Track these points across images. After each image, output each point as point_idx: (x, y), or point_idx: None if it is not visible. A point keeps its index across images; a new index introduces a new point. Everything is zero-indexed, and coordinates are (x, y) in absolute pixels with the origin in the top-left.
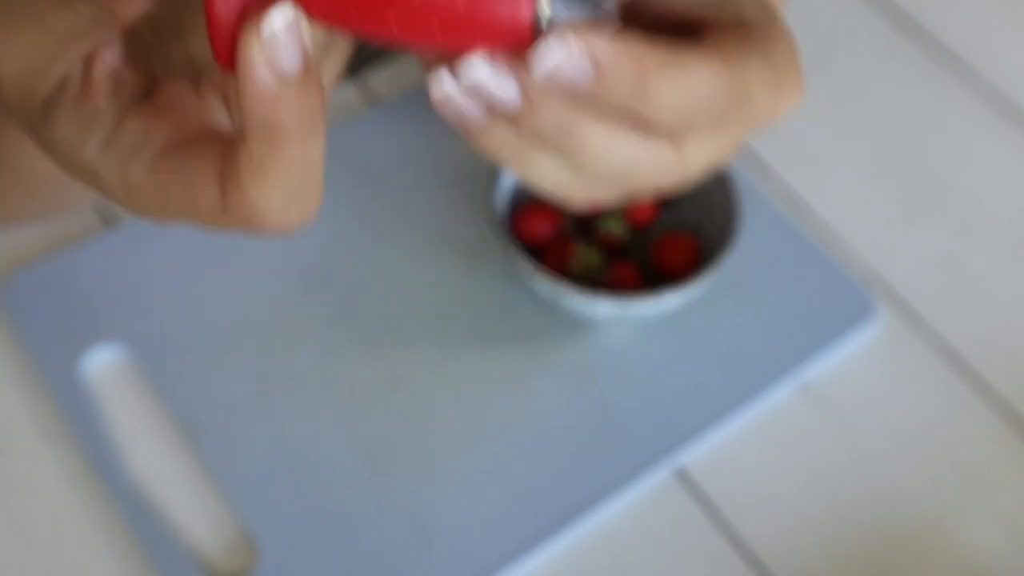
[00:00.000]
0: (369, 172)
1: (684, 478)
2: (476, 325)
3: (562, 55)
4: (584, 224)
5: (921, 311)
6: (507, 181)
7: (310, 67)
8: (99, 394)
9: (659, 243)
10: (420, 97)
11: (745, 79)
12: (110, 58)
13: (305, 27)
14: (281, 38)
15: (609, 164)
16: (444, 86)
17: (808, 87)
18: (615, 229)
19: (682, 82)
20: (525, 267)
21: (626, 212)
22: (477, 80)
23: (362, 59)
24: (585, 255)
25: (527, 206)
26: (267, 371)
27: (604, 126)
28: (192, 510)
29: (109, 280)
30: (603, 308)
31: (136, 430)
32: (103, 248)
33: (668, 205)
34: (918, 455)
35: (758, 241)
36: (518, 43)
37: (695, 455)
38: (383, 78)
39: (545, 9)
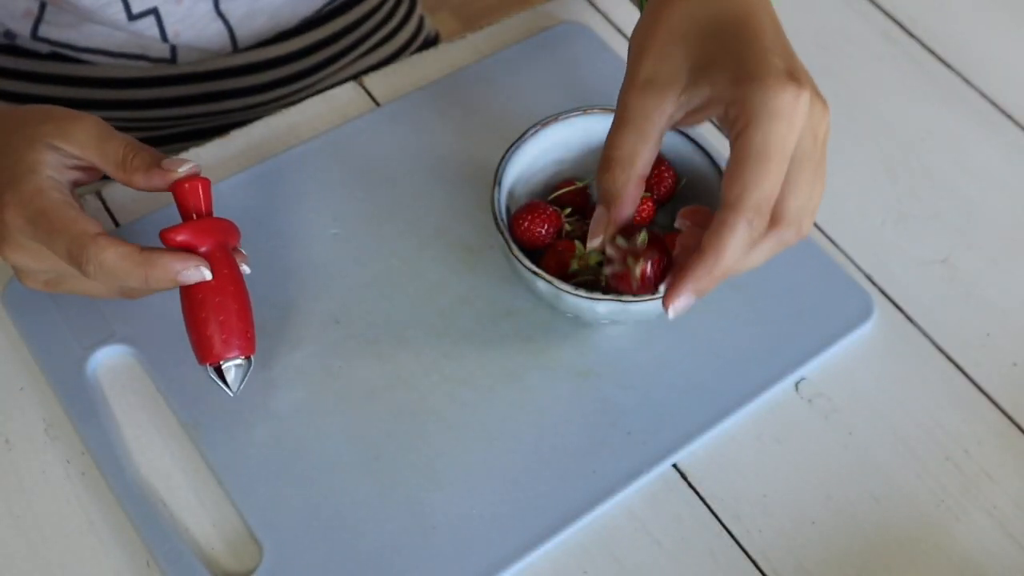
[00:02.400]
0: (369, 172)
1: (684, 477)
2: (476, 325)
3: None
4: (583, 224)
5: (918, 312)
6: (507, 182)
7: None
8: (104, 393)
9: None
10: (419, 98)
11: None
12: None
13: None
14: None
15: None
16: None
17: None
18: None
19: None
20: (526, 267)
21: None
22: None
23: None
24: (585, 255)
25: (527, 207)
26: (270, 371)
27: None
28: (196, 508)
29: None
30: (603, 307)
31: (140, 429)
32: None
33: (664, 204)
34: (915, 454)
35: None
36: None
37: (695, 455)
38: (382, 79)
39: None
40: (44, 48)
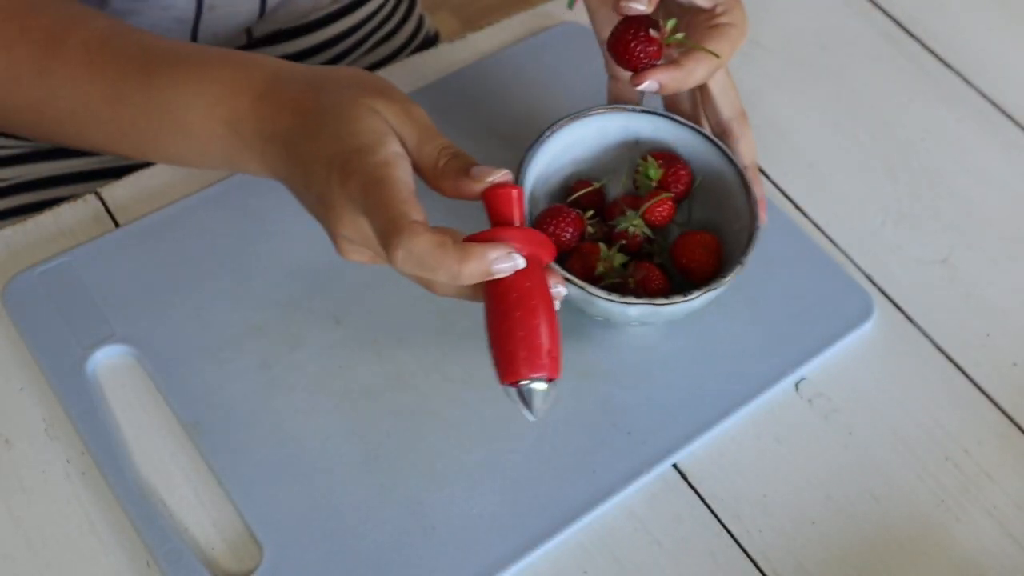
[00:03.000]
0: None
1: (684, 477)
2: (476, 325)
3: None
4: (604, 227)
5: (918, 312)
6: (528, 184)
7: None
8: (104, 393)
9: (681, 242)
10: (419, 98)
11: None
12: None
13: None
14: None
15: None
16: None
17: (806, 92)
18: (635, 229)
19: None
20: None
21: (644, 212)
22: None
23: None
24: (610, 257)
25: (550, 211)
26: (270, 371)
27: None
28: (196, 508)
29: (114, 279)
30: (635, 311)
31: (140, 429)
32: (109, 248)
33: (681, 202)
34: (915, 454)
35: (757, 242)
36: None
37: (695, 455)
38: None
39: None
40: None
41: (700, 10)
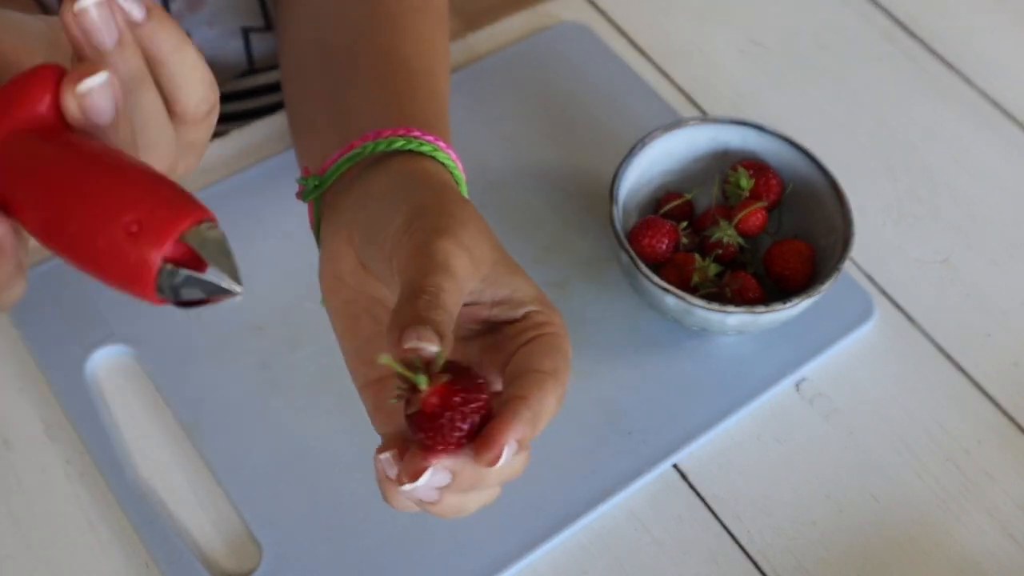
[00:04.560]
0: None
1: (684, 477)
2: None
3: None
4: (696, 237)
5: (918, 312)
6: (622, 197)
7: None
8: (103, 393)
9: (775, 251)
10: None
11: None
12: None
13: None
14: None
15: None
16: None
17: (806, 91)
18: (729, 238)
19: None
20: (656, 284)
21: (738, 222)
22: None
23: None
24: (706, 267)
25: (645, 223)
26: (270, 371)
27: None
28: (195, 508)
29: None
30: (734, 319)
31: (140, 429)
32: None
33: (772, 210)
34: (915, 454)
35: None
36: (145, 297)
37: (695, 455)
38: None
39: (164, 286)
40: None
41: (505, 323)
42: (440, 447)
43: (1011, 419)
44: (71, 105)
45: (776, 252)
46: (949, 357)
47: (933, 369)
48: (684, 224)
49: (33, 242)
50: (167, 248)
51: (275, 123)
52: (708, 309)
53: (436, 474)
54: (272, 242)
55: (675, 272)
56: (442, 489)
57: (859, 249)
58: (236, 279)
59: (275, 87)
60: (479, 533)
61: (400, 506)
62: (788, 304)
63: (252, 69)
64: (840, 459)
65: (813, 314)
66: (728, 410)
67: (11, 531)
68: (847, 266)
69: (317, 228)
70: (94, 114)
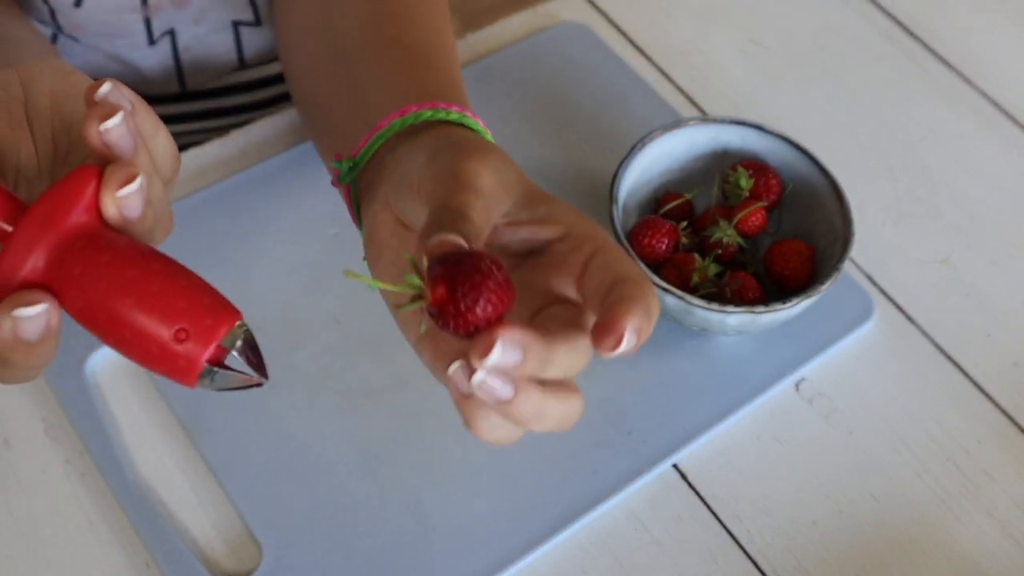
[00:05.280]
0: None
1: (684, 477)
2: None
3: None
4: (696, 237)
5: (918, 312)
6: (622, 197)
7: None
8: (104, 393)
9: (775, 251)
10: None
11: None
12: None
13: (55, 312)
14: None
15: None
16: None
17: (806, 91)
18: (728, 238)
19: (566, 354)
20: (655, 284)
21: (738, 222)
22: (484, 383)
23: None
24: (705, 267)
25: (645, 223)
26: (269, 370)
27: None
28: (195, 508)
29: None
30: (734, 319)
31: (140, 429)
32: None
33: (772, 210)
34: (915, 454)
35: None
36: (185, 384)
37: (695, 455)
38: None
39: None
40: None
41: (551, 241)
42: (476, 325)
43: (1011, 419)
44: (110, 208)
45: (776, 252)
46: (949, 357)
47: (933, 369)
48: (684, 224)
49: None
50: (210, 351)
51: (274, 123)
52: (708, 309)
53: (506, 349)
54: (271, 242)
55: (675, 272)
56: (517, 383)
57: (859, 249)
58: (263, 372)
59: (268, 81)
60: (479, 533)
61: (483, 426)
62: (788, 304)
63: (243, 64)
64: (840, 459)
65: (813, 314)
66: (728, 410)
67: (11, 531)
68: (847, 266)
69: (357, 212)
70: (129, 212)
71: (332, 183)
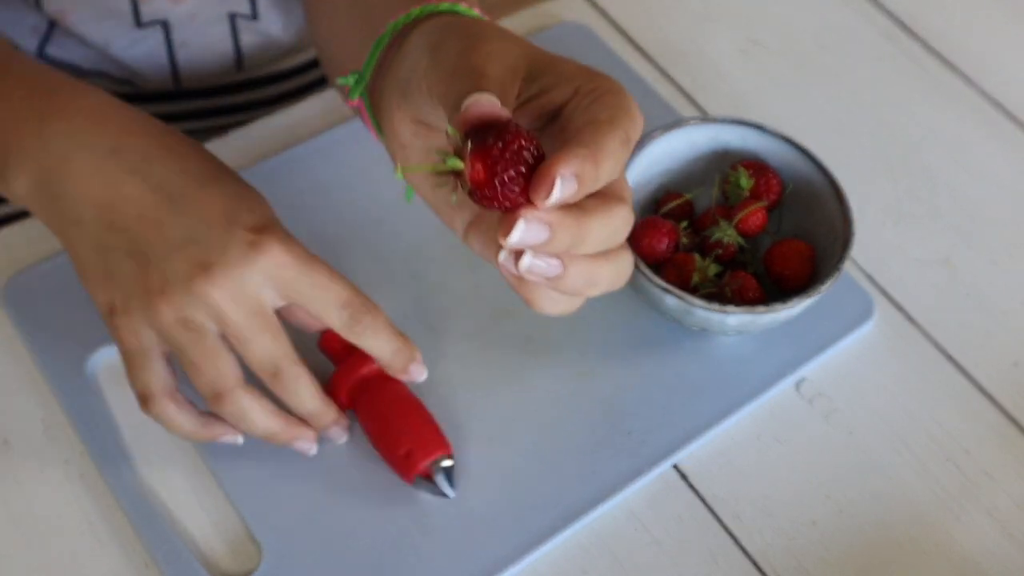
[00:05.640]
0: (368, 173)
1: (684, 477)
2: (476, 325)
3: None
4: (696, 237)
5: (918, 311)
6: None
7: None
8: (103, 394)
9: (775, 251)
10: None
11: (619, 157)
12: None
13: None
14: None
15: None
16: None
17: (806, 90)
18: (729, 238)
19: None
20: (656, 284)
21: (738, 221)
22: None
23: None
24: (705, 267)
25: (646, 223)
26: None
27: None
28: (195, 508)
29: None
30: (734, 319)
31: (139, 429)
32: None
33: (772, 210)
34: (915, 454)
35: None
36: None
37: (695, 455)
38: None
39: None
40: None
41: (562, 105)
42: (512, 202)
43: (1011, 419)
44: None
45: (776, 252)
46: (949, 357)
47: (933, 369)
48: (684, 224)
49: (19, 246)
50: (420, 468)
51: (274, 123)
52: (708, 309)
53: (530, 226)
54: None
55: (675, 272)
56: (563, 257)
57: (859, 249)
58: (453, 488)
59: (266, 80)
60: (479, 533)
61: (543, 303)
62: (788, 304)
63: (241, 63)
64: (840, 459)
65: (813, 314)
66: (728, 410)
67: (10, 531)
68: (847, 266)
69: (375, 123)
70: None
71: (346, 103)
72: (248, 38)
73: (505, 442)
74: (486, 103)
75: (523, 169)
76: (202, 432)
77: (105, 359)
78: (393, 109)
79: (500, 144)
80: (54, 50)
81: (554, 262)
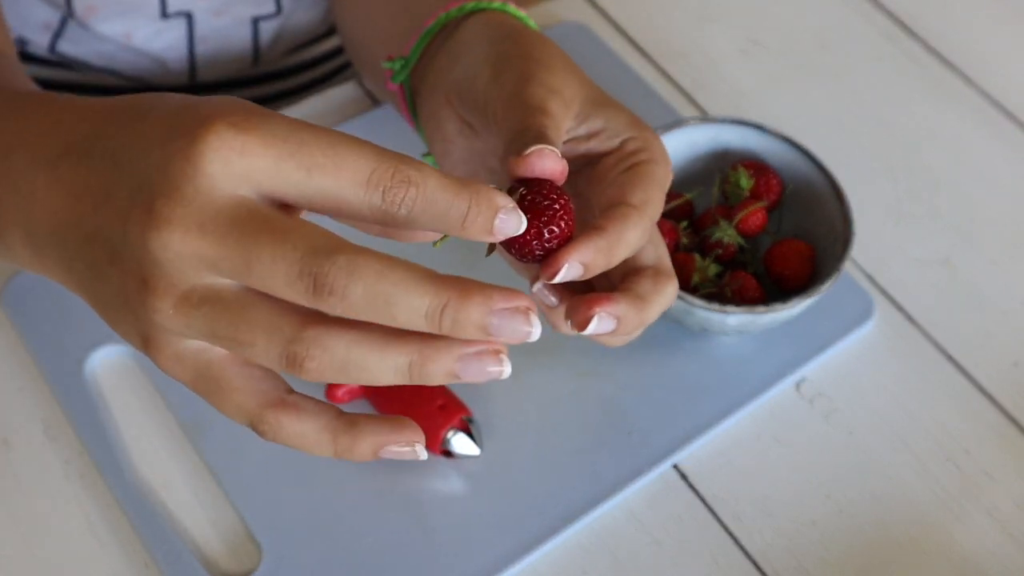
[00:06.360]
0: None
1: (684, 478)
2: None
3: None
4: (696, 236)
5: (918, 311)
6: None
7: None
8: (103, 394)
9: (775, 251)
10: None
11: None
12: None
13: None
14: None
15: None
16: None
17: (806, 90)
18: (729, 238)
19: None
20: None
21: (739, 221)
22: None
23: None
24: (705, 267)
25: None
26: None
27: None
28: (195, 508)
29: None
30: (734, 319)
31: (139, 429)
32: None
33: (773, 211)
34: (915, 454)
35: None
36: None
37: (695, 455)
38: None
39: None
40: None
41: (604, 154)
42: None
43: (1011, 419)
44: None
45: (776, 252)
46: (949, 357)
47: (933, 369)
48: (684, 224)
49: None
50: (456, 420)
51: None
52: (708, 309)
53: (602, 321)
54: None
55: (675, 272)
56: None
57: (859, 249)
58: (479, 446)
59: (280, 75)
60: (479, 533)
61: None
62: (788, 304)
63: (257, 57)
64: (840, 459)
65: (813, 314)
66: (728, 410)
67: (11, 531)
68: (847, 266)
69: (411, 109)
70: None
71: (386, 85)
72: (266, 35)
73: (505, 442)
74: (550, 159)
75: (555, 230)
76: (344, 440)
77: (105, 359)
78: (442, 105)
79: (553, 207)
80: (65, 46)
81: (611, 323)
